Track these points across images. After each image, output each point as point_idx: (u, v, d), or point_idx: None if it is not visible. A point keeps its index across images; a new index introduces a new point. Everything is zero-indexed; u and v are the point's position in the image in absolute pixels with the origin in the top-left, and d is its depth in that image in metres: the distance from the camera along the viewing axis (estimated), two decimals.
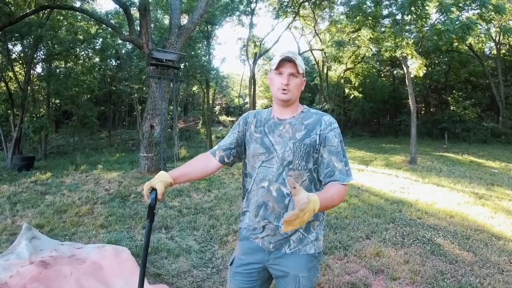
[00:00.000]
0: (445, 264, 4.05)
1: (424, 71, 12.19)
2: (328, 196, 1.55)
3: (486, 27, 13.36)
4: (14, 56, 15.75)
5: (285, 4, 22.65)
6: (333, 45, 18.42)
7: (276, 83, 1.75)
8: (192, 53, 20.48)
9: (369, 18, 13.04)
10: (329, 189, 1.63)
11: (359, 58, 25.44)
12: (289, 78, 1.72)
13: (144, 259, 1.75)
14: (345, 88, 27.86)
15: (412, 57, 11.90)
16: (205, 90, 26.10)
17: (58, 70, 17.97)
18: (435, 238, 4.86)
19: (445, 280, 3.67)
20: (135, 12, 13.43)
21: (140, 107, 24.43)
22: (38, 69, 19.01)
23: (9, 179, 9.68)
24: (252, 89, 24.74)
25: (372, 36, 13.35)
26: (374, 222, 5.58)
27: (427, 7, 11.39)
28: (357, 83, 25.61)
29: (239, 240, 1.93)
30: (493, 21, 13.84)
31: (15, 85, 16.45)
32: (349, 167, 1.71)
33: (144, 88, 21.42)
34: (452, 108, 26.52)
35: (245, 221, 1.89)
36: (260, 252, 1.79)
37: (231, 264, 1.90)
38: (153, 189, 1.70)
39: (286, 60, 1.71)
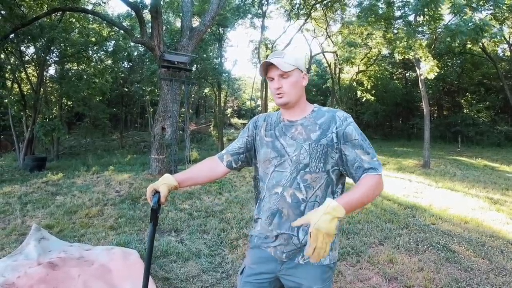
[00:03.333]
0: (460, 272, 3.94)
1: (436, 73, 12.01)
2: (357, 194, 1.46)
3: (499, 28, 13.16)
4: (27, 58, 15.90)
5: (296, 6, 22.58)
6: (345, 46, 18.33)
7: (271, 88, 1.69)
8: (204, 55, 20.55)
9: (382, 19, 12.92)
10: (361, 182, 1.54)
11: (372, 60, 25.28)
12: (279, 80, 1.65)
13: (148, 263, 1.69)
14: (357, 91, 27.69)
15: (425, 59, 11.75)
16: (216, 93, 26.21)
17: (70, 72, 18.10)
18: (449, 245, 4.74)
19: None
20: (146, 15, 13.47)
21: (151, 109, 24.57)
22: (51, 71, 19.24)
23: (21, 179, 9.75)
24: (263, 92, 24.71)
25: (385, 36, 13.24)
26: (387, 227, 5.48)
27: (440, 9, 11.25)
28: (369, 86, 25.45)
29: (250, 248, 1.85)
30: (507, 22, 13.66)
31: (27, 87, 16.62)
32: (378, 160, 1.61)
33: (156, 90, 21.51)
34: (465, 111, 26.27)
35: (257, 229, 1.81)
36: (272, 261, 1.72)
37: (241, 273, 1.83)
38: (156, 192, 1.65)
39: (269, 65, 1.65)
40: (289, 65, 1.63)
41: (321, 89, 34.38)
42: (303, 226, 1.59)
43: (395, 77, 32.40)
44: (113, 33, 19.23)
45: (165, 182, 1.66)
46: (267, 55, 25.67)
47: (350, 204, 1.40)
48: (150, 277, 3.42)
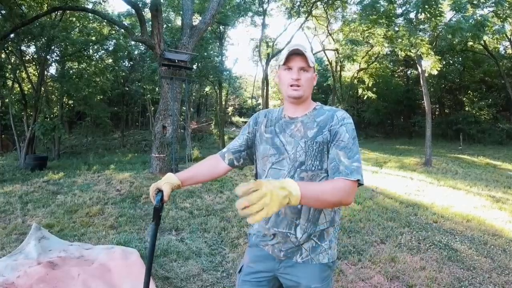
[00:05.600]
0: (463, 271, 3.91)
1: (438, 69, 11.96)
2: (318, 187, 1.38)
3: (501, 25, 13.06)
4: (27, 57, 15.90)
5: (297, 4, 22.51)
6: (346, 44, 18.26)
7: (286, 79, 1.62)
8: (205, 54, 20.49)
9: (383, 17, 12.86)
10: (328, 181, 1.48)
11: (373, 58, 25.21)
12: (299, 72, 1.59)
13: (149, 264, 1.65)
14: (359, 89, 27.59)
15: (427, 56, 11.70)
16: (217, 91, 26.14)
17: (71, 71, 18.10)
18: (452, 243, 4.71)
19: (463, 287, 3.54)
20: (147, 13, 13.43)
21: (152, 108, 24.50)
22: (52, 70, 19.23)
23: (22, 178, 9.73)
24: (265, 90, 24.66)
25: (386, 34, 13.19)
26: (389, 226, 5.45)
27: (441, 6, 11.20)
28: (370, 84, 25.39)
29: (248, 247, 1.83)
30: (509, 19, 13.58)
31: (28, 86, 16.61)
32: (358, 165, 1.47)
33: (157, 89, 21.48)
34: (467, 108, 26.19)
35: (255, 227, 1.78)
36: (270, 260, 1.69)
37: (239, 271, 1.80)
38: (159, 191, 1.62)
39: (295, 54, 1.58)
40: (311, 61, 1.60)
41: (322, 87, 34.29)
42: (297, 222, 1.59)
43: (396, 75, 32.31)
44: (113, 32, 19.19)
45: (168, 181, 1.63)
46: (268, 53, 25.71)
47: (307, 193, 1.24)
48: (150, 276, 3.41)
